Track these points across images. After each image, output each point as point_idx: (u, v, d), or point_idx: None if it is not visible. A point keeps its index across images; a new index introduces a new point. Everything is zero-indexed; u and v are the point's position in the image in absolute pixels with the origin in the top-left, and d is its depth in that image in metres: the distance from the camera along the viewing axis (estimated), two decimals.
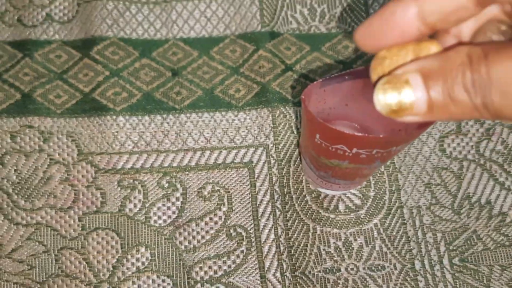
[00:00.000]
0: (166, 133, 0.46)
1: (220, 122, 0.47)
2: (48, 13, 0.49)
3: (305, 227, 0.44)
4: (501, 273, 0.43)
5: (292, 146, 0.46)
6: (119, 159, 0.45)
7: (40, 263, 0.43)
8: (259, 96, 0.47)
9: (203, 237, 0.44)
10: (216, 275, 0.43)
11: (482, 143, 0.47)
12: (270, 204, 0.45)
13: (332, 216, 0.45)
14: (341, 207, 0.45)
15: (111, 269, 0.43)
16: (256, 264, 0.43)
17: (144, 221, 0.44)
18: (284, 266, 0.43)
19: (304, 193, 0.45)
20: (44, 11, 0.49)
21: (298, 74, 0.48)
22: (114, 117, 0.46)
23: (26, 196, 0.44)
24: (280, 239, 0.44)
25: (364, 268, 0.43)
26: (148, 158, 0.45)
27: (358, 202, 0.45)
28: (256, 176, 0.45)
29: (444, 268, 0.44)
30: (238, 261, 0.43)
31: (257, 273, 0.43)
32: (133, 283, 0.42)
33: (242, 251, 0.44)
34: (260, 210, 0.45)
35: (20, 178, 0.44)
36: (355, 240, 0.44)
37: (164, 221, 0.44)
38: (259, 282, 0.43)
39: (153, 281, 0.42)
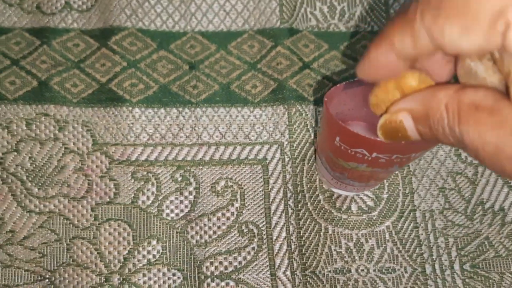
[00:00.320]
0: (181, 126, 0.46)
1: (235, 118, 0.47)
2: (67, 1, 0.49)
3: (317, 227, 0.44)
4: None
5: (307, 144, 0.46)
6: (134, 151, 0.45)
7: (51, 251, 0.43)
8: (275, 93, 0.47)
9: (214, 232, 0.44)
10: (227, 271, 0.43)
11: None
12: (282, 202, 0.45)
13: (344, 216, 0.45)
14: (354, 208, 0.45)
15: (122, 260, 0.43)
16: (266, 261, 0.43)
17: (156, 213, 0.44)
18: (295, 264, 0.43)
19: (317, 193, 0.45)
20: None
21: (316, 72, 0.48)
22: (130, 108, 0.46)
23: (40, 184, 0.44)
24: (292, 238, 0.44)
25: (374, 270, 0.43)
26: (162, 151, 0.45)
27: (371, 203, 0.45)
28: (269, 173, 0.45)
29: (454, 273, 0.43)
30: (248, 257, 0.43)
31: (267, 270, 0.43)
32: (144, 275, 0.42)
33: (253, 248, 0.44)
34: (273, 207, 0.45)
35: (34, 165, 0.44)
36: (367, 241, 0.44)
37: (177, 214, 0.44)
38: (269, 279, 0.43)
39: (164, 274, 0.43)
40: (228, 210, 0.44)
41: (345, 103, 0.36)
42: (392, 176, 0.46)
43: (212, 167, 0.45)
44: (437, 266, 0.44)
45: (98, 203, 0.44)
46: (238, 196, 0.45)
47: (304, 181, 0.45)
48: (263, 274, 0.43)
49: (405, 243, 0.44)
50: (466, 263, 0.44)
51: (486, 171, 0.46)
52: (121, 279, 0.42)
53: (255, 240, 0.44)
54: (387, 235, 0.44)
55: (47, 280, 0.42)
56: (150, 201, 0.44)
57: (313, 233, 0.44)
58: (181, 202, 0.44)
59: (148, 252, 0.43)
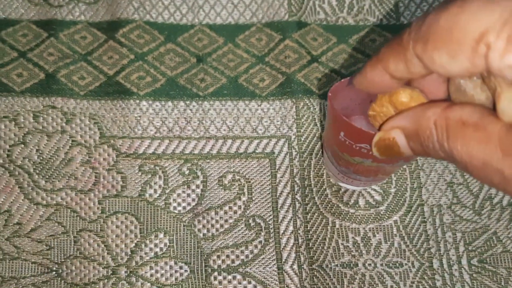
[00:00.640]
0: (189, 119, 0.46)
1: (243, 111, 0.46)
2: None
3: (324, 221, 0.44)
4: None
5: (315, 138, 0.46)
6: (141, 144, 0.45)
7: (58, 244, 0.43)
8: (283, 87, 0.47)
9: (221, 225, 0.44)
10: (234, 264, 0.43)
11: None
12: (290, 196, 0.45)
13: (351, 210, 0.45)
14: (361, 202, 0.45)
15: (129, 253, 0.43)
16: (273, 255, 0.43)
17: (163, 207, 0.44)
18: (302, 258, 0.43)
19: (324, 187, 0.45)
20: None
21: (324, 66, 0.48)
22: (138, 101, 0.46)
23: (47, 177, 0.44)
24: (299, 232, 0.44)
25: (381, 265, 0.43)
26: (170, 144, 0.45)
27: (378, 198, 0.45)
28: (277, 167, 0.45)
29: (462, 268, 0.43)
30: (255, 251, 0.43)
31: (274, 264, 0.43)
32: (151, 268, 0.42)
33: (260, 242, 0.43)
34: (280, 201, 0.44)
35: (41, 158, 0.44)
36: (374, 236, 0.44)
37: (184, 208, 0.44)
38: (276, 273, 0.43)
39: (171, 267, 0.43)
40: (235, 204, 0.44)
41: (350, 97, 0.35)
42: (400, 170, 0.46)
43: (220, 160, 0.45)
44: (444, 261, 0.44)
45: (105, 196, 0.44)
46: (245, 190, 0.45)
47: (311, 175, 0.45)
48: (270, 267, 0.43)
49: (413, 238, 0.44)
50: (474, 258, 0.44)
51: None
52: (128, 272, 0.42)
53: (262, 233, 0.44)
54: (394, 230, 0.44)
55: (54, 272, 0.42)
56: (157, 194, 0.44)
57: (320, 227, 0.44)
58: (188, 195, 0.44)
59: (155, 245, 0.43)
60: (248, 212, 0.44)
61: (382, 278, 0.43)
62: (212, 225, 0.44)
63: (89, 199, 0.44)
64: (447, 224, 0.44)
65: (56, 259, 0.42)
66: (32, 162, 0.44)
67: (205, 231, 0.44)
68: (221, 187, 0.45)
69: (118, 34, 0.47)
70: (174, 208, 0.44)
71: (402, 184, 0.45)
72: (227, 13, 0.49)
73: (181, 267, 0.43)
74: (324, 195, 0.45)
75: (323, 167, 0.45)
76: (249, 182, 0.45)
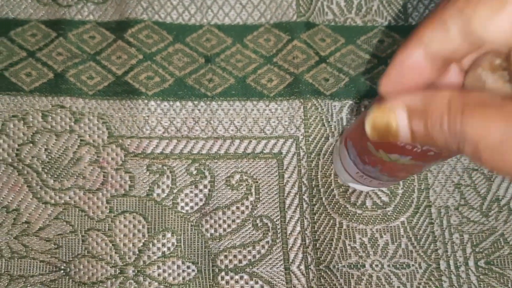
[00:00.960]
0: (197, 120, 0.46)
1: (251, 112, 0.46)
2: None
3: (331, 221, 0.44)
4: None
5: (323, 139, 0.46)
6: (149, 144, 0.45)
7: (67, 242, 0.43)
8: (291, 87, 0.47)
9: (229, 225, 0.44)
10: (241, 264, 0.43)
11: None
12: (297, 196, 0.45)
13: (359, 211, 0.45)
14: (369, 203, 0.45)
15: (137, 252, 0.43)
16: (281, 255, 0.43)
17: (171, 206, 0.44)
18: (309, 259, 0.43)
19: (332, 187, 0.45)
20: None
21: (332, 67, 0.48)
22: (146, 101, 0.46)
23: (56, 176, 0.44)
24: (306, 232, 0.44)
25: (389, 266, 0.43)
26: (177, 144, 0.45)
27: (385, 199, 0.45)
28: (284, 168, 0.45)
29: (469, 270, 0.43)
30: (263, 251, 0.43)
31: (281, 264, 0.43)
32: (158, 267, 0.43)
33: (267, 242, 0.44)
34: (287, 202, 0.45)
35: (50, 157, 0.44)
36: (381, 237, 0.44)
37: (191, 207, 0.44)
38: (283, 273, 0.43)
39: (178, 266, 0.43)
40: (242, 204, 0.44)
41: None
42: None
43: (227, 160, 0.45)
44: (451, 262, 0.44)
45: (113, 195, 0.44)
46: (253, 190, 0.45)
47: (319, 176, 0.45)
48: (277, 268, 0.43)
49: (420, 239, 0.44)
50: (481, 259, 0.44)
51: None
52: (136, 271, 0.42)
53: (270, 234, 0.44)
54: (401, 231, 0.44)
55: (62, 271, 0.42)
56: (165, 194, 0.44)
57: (327, 228, 0.44)
58: (196, 195, 0.44)
59: (163, 244, 0.43)
60: (255, 212, 0.44)
61: (389, 279, 0.43)
62: (220, 225, 0.44)
63: (97, 199, 0.44)
64: (454, 225, 0.44)
65: (64, 258, 0.42)
66: (40, 161, 0.44)
67: (212, 231, 0.44)
68: (229, 187, 0.45)
69: (127, 34, 0.48)
70: (182, 208, 0.44)
71: (409, 185, 0.45)
72: (236, 13, 0.49)
73: (188, 267, 0.43)
74: (331, 195, 0.45)
75: (331, 167, 0.45)
76: (257, 182, 0.45)
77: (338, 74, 0.48)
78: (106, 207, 0.44)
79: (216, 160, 0.45)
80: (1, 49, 0.47)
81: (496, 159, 0.21)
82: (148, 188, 0.44)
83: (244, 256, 0.43)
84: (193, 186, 0.45)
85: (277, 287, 0.42)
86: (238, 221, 0.44)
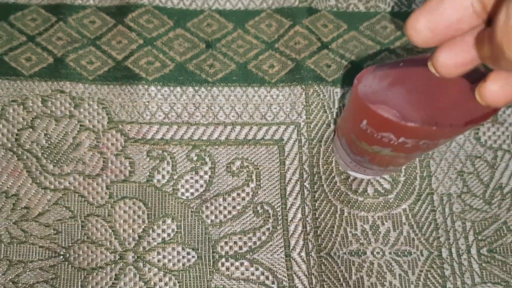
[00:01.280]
0: (198, 105, 0.46)
1: (252, 98, 0.46)
2: None
3: (332, 208, 0.44)
4: None
5: (324, 125, 0.45)
6: (149, 129, 0.45)
7: (66, 228, 0.43)
8: (293, 73, 0.47)
9: (229, 212, 0.44)
10: (241, 251, 0.43)
11: None
12: (298, 183, 0.44)
13: (360, 198, 0.44)
14: (370, 190, 0.44)
15: (137, 238, 0.42)
16: (281, 242, 0.43)
17: (171, 192, 0.44)
18: (310, 246, 0.43)
19: (333, 174, 0.45)
20: None
21: (334, 53, 0.47)
22: (146, 86, 0.46)
23: (55, 161, 0.44)
24: (307, 219, 0.43)
25: (390, 253, 0.43)
26: (178, 130, 0.45)
27: (387, 186, 0.45)
28: (286, 154, 0.45)
29: (471, 258, 0.43)
30: (263, 238, 0.43)
31: (282, 251, 0.43)
32: (158, 253, 0.42)
33: (268, 229, 0.43)
34: (288, 188, 0.44)
35: (49, 142, 0.44)
36: (383, 224, 0.44)
37: (192, 194, 0.44)
38: (283, 260, 0.43)
39: (178, 253, 0.42)
40: (243, 191, 0.44)
41: (371, 85, 0.35)
42: None
43: (228, 147, 0.45)
44: (453, 250, 0.43)
45: (113, 181, 0.44)
46: (253, 177, 0.44)
47: (320, 163, 0.45)
48: (277, 254, 0.43)
49: (422, 226, 0.44)
50: (483, 247, 0.43)
51: (506, 156, 0.45)
52: (136, 257, 0.42)
53: (270, 220, 0.43)
54: (403, 218, 0.44)
55: (61, 256, 0.42)
56: (165, 180, 0.44)
57: (328, 215, 0.44)
58: (197, 181, 0.44)
59: (163, 230, 0.43)
60: (256, 199, 0.44)
61: (390, 266, 0.43)
62: (220, 212, 0.44)
63: (97, 184, 0.43)
64: (456, 213, 0.44)
65: (63, 243, 0.42)
66: (40, 147, 0.44)
67: (213, 217, 0.43)
68: (229, 174, 0.44)
69: (127, 18, 0.47)
70: (182, 194, 0.44)
71: (411, 172, 0.45)
72: None
73: (188, 253, 0.42)
74: (333, 182, 0.44)
75: (332, 154, 0.45)
76: (258, 169, 0.45)
77: (340, 61, 0.47)
78: (106, 193, 0.43)
79: (216, 146, 0.45)
80: (1, 33, 0.46)
81: None
82: (148, 174, 0.44)
83: (245, 243, 0.43)
84: (194, 172, 0.44)
85: (278, 274, 0.42)
86: (238, 207, 0.44)
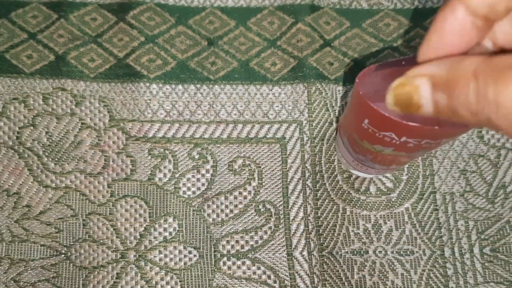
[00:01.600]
0: (199, 103, 0.45)
1: (254, 96, 0.46)
2: None
3: (334, 207, 0.44)
4: None
5: (326, 124, 0.45)
6: (151, 127, 0.44)
7: (67, 226, 0.42)
8: (295, 71, 0.46)
9: (231, 211, 0.43)
10: (243, 250, 0.43)
11: None
12: (300, 181, 0.44)
13: (362, 197, 0.44)
14: (372, 189, 0.44)
15: (138, 237, 0.42)
16: (283, 241, 0.43)
17: (173, 191, 0.43)
18: (312, 245, 0.43)
19: (335, 173, 0.44)
20: None
21: (337, 51, 0.47)
22: (148, 84, 0.45)
23: (56, 159, 0.43)
24: (309, 218, 0.43)
25: (392, 252, 0.43)
26: (180, 128, 0.45)
27: (390, 185, 0.44)
28: (288, 153, 0.45)
29: (474, 257, 0.43)
30: (265, 237, 0.43)
31: (284, 250, 0.43)
32: (160, 252, 0.42)
33: (270, 228, 0.43)
34: (290, 187, 0.44)
35: (51, 140, 0.44)
36: (385, 223, 0.44)
37: (193, 192, 0.44)
38: (285, 259, 0.42)
39: (180, 251, 0.42)
40: (245, 189, 0.44)
41: (372, 84, 0.35)
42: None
43: (230, 145, 0.45)
44: (456, 249, 0.43)
45: (114, 179, 0.43)
46: (255, 175, 0.44)
47: (323, 161, 0.45)
48: (279, 253, 0.43)
49: (424, 226, 0.43)
50: (486, 247, 0.43)
51: (509, 154, 0.45)
52: (137, 256, 0.42)
53: (272, 219, 0.43)
54: (406, 217, 0.44)
55: (63, 255, 0.42)
56: (166, 178, 0.44)
57: (331, 214, 0.44)
58: (198, 180, 0.44)
59: (165, 229, 0.43)
60: (258, 197, 0.44)
61: (392, 265, 0.43)
62: (222, 210, 0.43)
63: (98, 183, 0.43)
64: (459, 212, 0.44)
65: (65, 242, 0.42)
66: (41, 145, 0.44)
67: (214, 216, 0.43)
68: (231, 172, 0.44)
69: (129, 16, 0.47)
70: (184, 192, 0.44)
71: (414, 171, 0.45)
72: None
73: (190, 252, 0.42)
74: (335, 181, 0.44)
75: (335, 153, 0.45)
76: (260, 167, 0.44)
77: (342, 58, 0.47)
78: (107, 191, 0.43)
79: (218, 145, 0.45)
80: (2, 30, 0.46)
81: None
82: (149, 172, 0.44)
83: (247, 242, 0.43)
84: (195, 171, 0.44)
85: (280, 273, 0.42)
86: (240, 206, 0.44)
